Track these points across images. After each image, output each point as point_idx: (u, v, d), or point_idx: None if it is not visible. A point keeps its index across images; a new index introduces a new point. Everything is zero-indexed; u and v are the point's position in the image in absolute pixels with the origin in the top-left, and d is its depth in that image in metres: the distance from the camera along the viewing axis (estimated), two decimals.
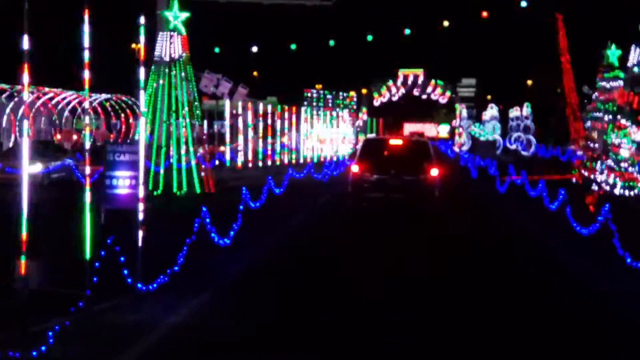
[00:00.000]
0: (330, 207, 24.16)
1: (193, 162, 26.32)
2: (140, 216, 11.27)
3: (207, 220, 13.87)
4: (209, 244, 14.27)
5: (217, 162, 41.01)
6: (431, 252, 16.32)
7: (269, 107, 48.38)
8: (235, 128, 45.39)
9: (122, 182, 18.94)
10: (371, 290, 12.03)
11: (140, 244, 11.11)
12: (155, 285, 10.87)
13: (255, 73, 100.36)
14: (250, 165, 43.84)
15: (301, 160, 50.69)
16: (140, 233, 11.15)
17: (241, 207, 16.77)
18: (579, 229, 17.89)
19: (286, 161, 49.06)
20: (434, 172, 21.39)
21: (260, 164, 45.05)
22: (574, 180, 36.35)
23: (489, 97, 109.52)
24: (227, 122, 44.49)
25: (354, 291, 11.82)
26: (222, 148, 44.03)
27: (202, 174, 26.67)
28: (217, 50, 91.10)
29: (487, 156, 51.54)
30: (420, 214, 20.86)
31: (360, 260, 14.62)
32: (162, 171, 25.64)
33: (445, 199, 22.91)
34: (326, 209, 23.84)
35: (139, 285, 10.53)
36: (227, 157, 42.11)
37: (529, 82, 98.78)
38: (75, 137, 51.86)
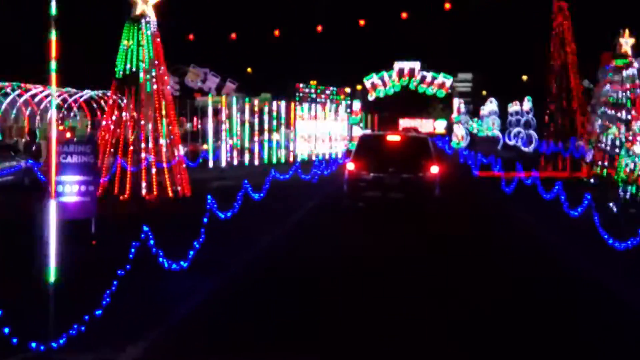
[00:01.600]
0: (317, 216, 20.72)
1: (176, 161, 23.42)
2: (52, 244, 8.31)
3: (151, 242, 10.86)
4: (159, 270, 11.35)
5: (201, 161, 38.37)
6: (434, 259, 14.13)
7: (256, 103, 45.26)
8: (221, 125, 42.39)
9: (70, 189, 16.05)
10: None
11: (52, 277, 8.23)
12: (63, 339, 7.91)
13: (249, 69, 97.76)
14: (236, 164, 40.90)
15: (291, 159, 47.75)
16: (53, 266, 8.25)
17: (206, 219, 13.78)
18: (611, 242, 14.97)
19: (275, 160, 46.08)
20: (434, 169, 20.18)
21: (247, 162, 42.08)
22: (586, 179, 33.66)
23: (484, 92, 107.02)
24: (209, 119, 41.45)
25: (346, 325, 8.91)
26: (205, 146, 41.03)
27: (179, 175, 23.66)
28: (207, 45, 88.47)
29: (489, 153, 48.67)
30: (420, 214, 19.52)
31: (353, 283, 11.65)
32: (124, 172, 22.70)
33: (447, 199, 21.45)
34: (313, 217, 20.36)
35: (33, 344, 7.56)
36: (211, 156, 39.09)
37: (524, 77, 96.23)
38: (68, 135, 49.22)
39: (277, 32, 47.21)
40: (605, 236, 15.13)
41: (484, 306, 10.51)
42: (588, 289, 11.94)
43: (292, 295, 10.94)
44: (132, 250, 9.81)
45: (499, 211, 22.79)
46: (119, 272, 9.23)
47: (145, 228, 10.57)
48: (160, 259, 11.14)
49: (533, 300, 11.07)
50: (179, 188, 23.39)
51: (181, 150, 25.01)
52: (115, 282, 9.00)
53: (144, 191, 22.82)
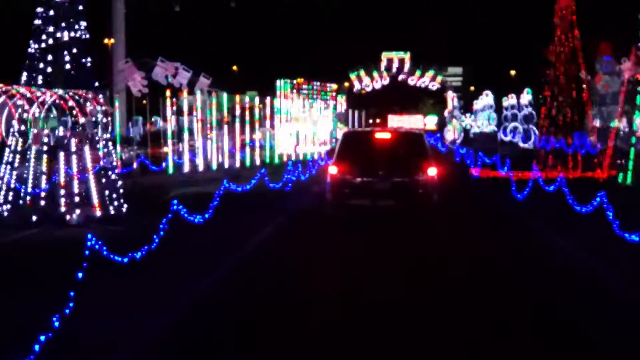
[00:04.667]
0: (281, 249, 14.56)
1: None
2: None
3: None
4: None
5: (165, 166, 33.47)
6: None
7: (225, 100, 40.12)
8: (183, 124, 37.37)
9: None
10: None
11: None
12: None
13: (234, 67, 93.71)
14: (202, 169, 35.79)
15: (276, 160, 42.80)
16: None
17: (81, 273, 8.60)
18: None
19: (249, 162, 41.05)
20: (432, 171, 17.42)
21: (214, 166, 36.91)
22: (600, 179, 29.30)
23: (472, 88, 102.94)
24: (167, 116, 36.32)
25: None
26: (165, 149, 35.87)
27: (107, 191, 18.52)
28: (194, 43, 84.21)
29: (489, 150, 43.94)
30: (416, 224, 17.12)
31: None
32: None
33: (447, 205, 18.71)
34: (273, 253, 14.02)
35: None
36: (171, 160, 33.92)
37: (512, 72, 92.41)
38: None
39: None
40: None
41: None
42: None
43: None
44: None
45: (514, 224, 17.87)
46: None
47: None
48: None
49: None
50: (122, 207, 18.32)
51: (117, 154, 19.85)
52: None
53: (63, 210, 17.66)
